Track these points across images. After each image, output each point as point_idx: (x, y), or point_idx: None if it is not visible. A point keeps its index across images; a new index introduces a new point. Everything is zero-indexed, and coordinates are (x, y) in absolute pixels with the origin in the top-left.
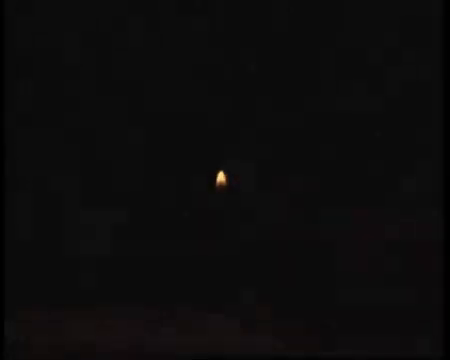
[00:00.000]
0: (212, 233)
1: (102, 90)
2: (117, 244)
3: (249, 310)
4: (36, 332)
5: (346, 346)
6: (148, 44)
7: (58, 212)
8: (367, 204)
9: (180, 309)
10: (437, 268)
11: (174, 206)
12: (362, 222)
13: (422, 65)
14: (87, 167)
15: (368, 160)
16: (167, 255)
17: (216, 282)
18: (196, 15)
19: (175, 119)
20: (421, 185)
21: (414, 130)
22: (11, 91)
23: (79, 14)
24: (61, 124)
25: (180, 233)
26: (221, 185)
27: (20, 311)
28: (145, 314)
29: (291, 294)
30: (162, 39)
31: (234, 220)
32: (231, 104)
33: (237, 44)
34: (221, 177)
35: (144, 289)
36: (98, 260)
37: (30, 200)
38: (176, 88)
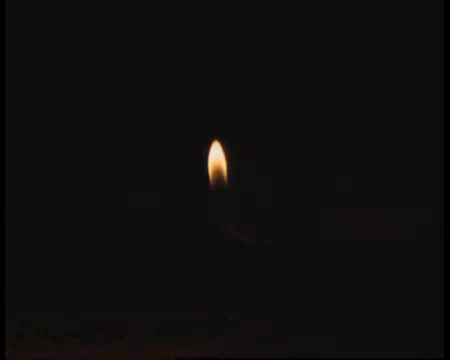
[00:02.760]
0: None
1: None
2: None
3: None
4: None
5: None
6: (147, 42)
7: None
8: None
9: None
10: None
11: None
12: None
13: (422, 65)
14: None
15: (367, 160)
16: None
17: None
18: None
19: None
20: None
21: (413, 130)
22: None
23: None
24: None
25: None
26: (217, 170)
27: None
28: None
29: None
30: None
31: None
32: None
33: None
34: (215, 159)
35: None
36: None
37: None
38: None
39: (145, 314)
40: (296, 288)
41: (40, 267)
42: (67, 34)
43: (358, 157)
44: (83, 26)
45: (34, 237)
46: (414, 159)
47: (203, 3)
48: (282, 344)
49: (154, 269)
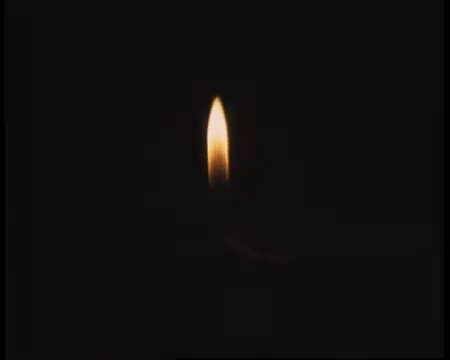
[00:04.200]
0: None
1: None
2: None
3: None
4: None
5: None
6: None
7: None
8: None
9: None
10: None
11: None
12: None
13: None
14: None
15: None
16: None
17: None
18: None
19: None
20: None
21: (412, 146)
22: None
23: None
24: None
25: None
26: (217, 154)
27: None
28: None
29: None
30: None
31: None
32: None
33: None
34: (215, 135)
35: None
36: None
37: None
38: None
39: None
40: (296, 302)
41: (43, 267)
42: (68, 33)
43: (358, 173)
44: (81, 23)
45: (41, 239)
46: (414, 174)
47: None
48: (282, 343)
49: (156, 270)
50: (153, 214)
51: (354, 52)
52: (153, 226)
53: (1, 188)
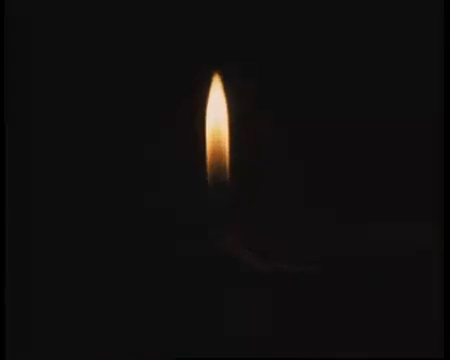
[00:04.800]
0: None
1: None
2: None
3: None
4: None
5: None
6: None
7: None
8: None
9: None
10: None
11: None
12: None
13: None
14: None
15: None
16: None
17: None
18: None
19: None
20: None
21: (412, 145)
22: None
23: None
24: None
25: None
26: (217, 146)
27: None
28: None
29: None
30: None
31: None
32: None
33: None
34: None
35: None
36: None
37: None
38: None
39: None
40: (296, 302)
41: (43, 267)
42: (68, 33)
43: (358, 173)
44: (81, 23)
45: (41, 239)
46: (414, 174)
47: None
48: (283, 343)
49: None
50: (153, 214)
51: (354, 52)
52: (153, 226)
53: (1, 188)
